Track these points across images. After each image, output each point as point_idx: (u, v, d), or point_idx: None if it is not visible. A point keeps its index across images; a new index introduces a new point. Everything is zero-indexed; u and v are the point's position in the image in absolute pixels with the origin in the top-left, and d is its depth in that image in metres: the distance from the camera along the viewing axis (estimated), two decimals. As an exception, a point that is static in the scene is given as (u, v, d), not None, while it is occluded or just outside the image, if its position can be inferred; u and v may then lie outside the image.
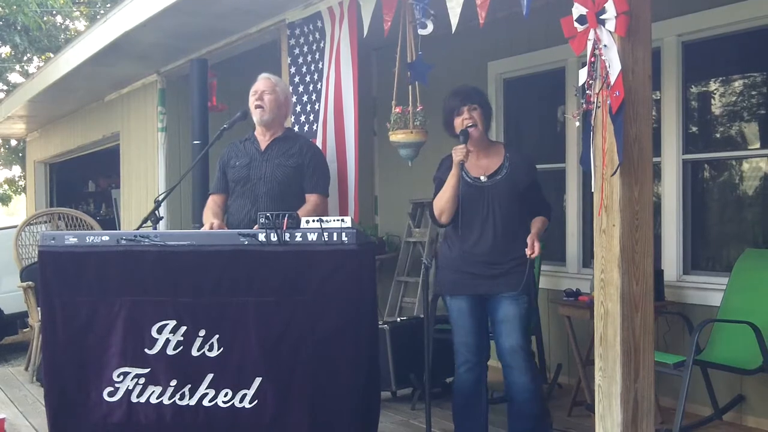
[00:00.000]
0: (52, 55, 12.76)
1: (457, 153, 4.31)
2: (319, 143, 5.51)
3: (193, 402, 4.02)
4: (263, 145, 4.93)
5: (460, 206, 4.40)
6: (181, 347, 4.02)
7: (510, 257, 4.32)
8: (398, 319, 6.35)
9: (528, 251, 4.21)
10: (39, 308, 5.93)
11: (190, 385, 4.03)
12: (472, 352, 4.48)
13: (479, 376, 4.51)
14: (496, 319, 4.40)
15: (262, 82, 4.98)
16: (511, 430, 4.51)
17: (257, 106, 4.90)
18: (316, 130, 5.62)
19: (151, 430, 4.06)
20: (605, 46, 3.23)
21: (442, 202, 4.42)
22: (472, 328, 4.47)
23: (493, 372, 4.68)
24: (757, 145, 5.47)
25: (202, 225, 4.87)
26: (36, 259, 4.77)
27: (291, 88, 5.92)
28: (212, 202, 5.05)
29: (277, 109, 4.93)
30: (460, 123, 4.42)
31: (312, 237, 3.94)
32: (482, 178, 4.41)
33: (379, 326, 5.48)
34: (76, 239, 4.12)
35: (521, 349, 4.34)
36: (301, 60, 5.90)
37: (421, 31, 4.80)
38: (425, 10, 4.73)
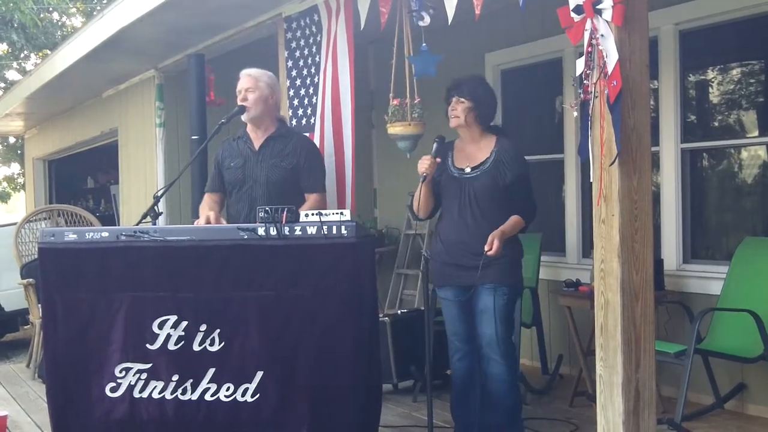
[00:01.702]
0: (49, 52, 12.74)
1: (421, 165, 4.37)
2: (316, 137, 5.50)
3: (195, 397, 4.03)
4: (257, 144, 4.88)
5: (442, 197, 4.48)
6: (183, 342, 4.02)
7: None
8: (399, 312, 6.35)
9: (486, 247, 4.20)
10: (40, 305, 5.94)
11: (192, 380, 4.03)
12: (463, 341, 4.53)
13: (471, 364, 4.53)
14: (476, 310, 4.42)
15: (245, 79, 4.90)
16: (481, 422, 4.50)
17: (241, 106, 4.85)
18: (314, 124, 5.61)
19: (154, 425, 4.07)
20: (602, 35, 3.22)
21: (416, 201, 4.52)
22: (460, 317, 4.51)
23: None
24: (756, 133, 5.47)
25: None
26: (36, 256, 4.78)
27: (288, 82, 5.91)
28: (208, 199, 5.01)
29: (262, 105, 4.86)
30: (449, 113, 4.48)
31: (311, 230, 3.95)
32: (467, 169, 4.43)
33: (380, 319, 5.48)
34: (75, 235, 4.12)
35: (499, 340, 4.34)
36: (298, 54, 5.90)
37: (420, 23, 4.80)
38: (422, 1, 4.72)
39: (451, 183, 4.45)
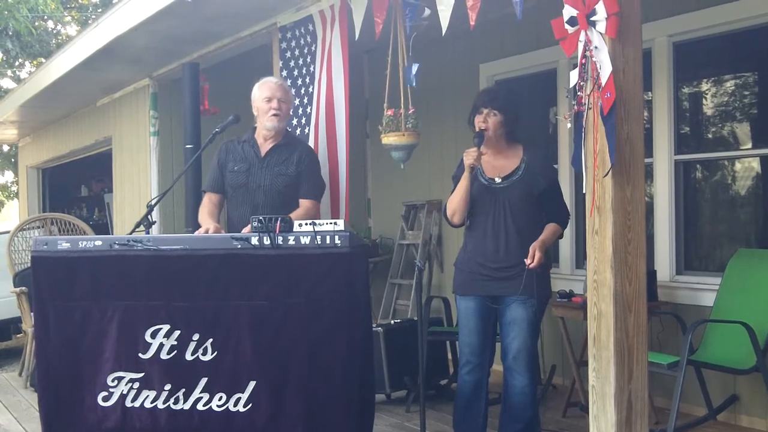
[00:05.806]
0: (43, 60, 12.73)
1: (468, 156, 4.29)
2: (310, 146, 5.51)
3: (187, 406, 4.02)
4: (263, 151, 4.88)
5: (472, 207, 4.38)
6: (175, 351, 4.01)
7: (521, 260, 4.25)
8: (392, 322, 6.35)
9: (527, 260, 4.17)
10: (32, 313, 5.92)
11: (184, 390, 4.03)
12: (475, 354, 4.47)
13: (480, 379, 4.50)
14: (504, 321, 4.38)
15: (279, 89, 4.90)
16: (502, 431, 4.50)
17: (274, 114, 4.82)
18: (308, 134, 5.62)
19: (146, 434, 4.06)
20: (596, 47, 3.23)
21: (454, 203, 4.41)
22: (477, 329, 4.45)
23: (493, 375, 4.68)
24: (749, 145, 5.48)
25: (195, 229, 4.83)
26: (29, 265, 4.76)
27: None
28: (208, 201, 4.96)
29: (287, 117, 4.93)
30: (477, 123, 4.40)
31: (305, 240, 3.95)
32: (497, 179, 4.38)
33: (373, 329, 5.48)
34: (68, 244, 4.11)
35: (527, 351, 4.33)
36: (292, 63, 5.90)
37: (414, 33, 4.79)
38: (417, 11, 4.72)
39: (483, 192, 4.38)
